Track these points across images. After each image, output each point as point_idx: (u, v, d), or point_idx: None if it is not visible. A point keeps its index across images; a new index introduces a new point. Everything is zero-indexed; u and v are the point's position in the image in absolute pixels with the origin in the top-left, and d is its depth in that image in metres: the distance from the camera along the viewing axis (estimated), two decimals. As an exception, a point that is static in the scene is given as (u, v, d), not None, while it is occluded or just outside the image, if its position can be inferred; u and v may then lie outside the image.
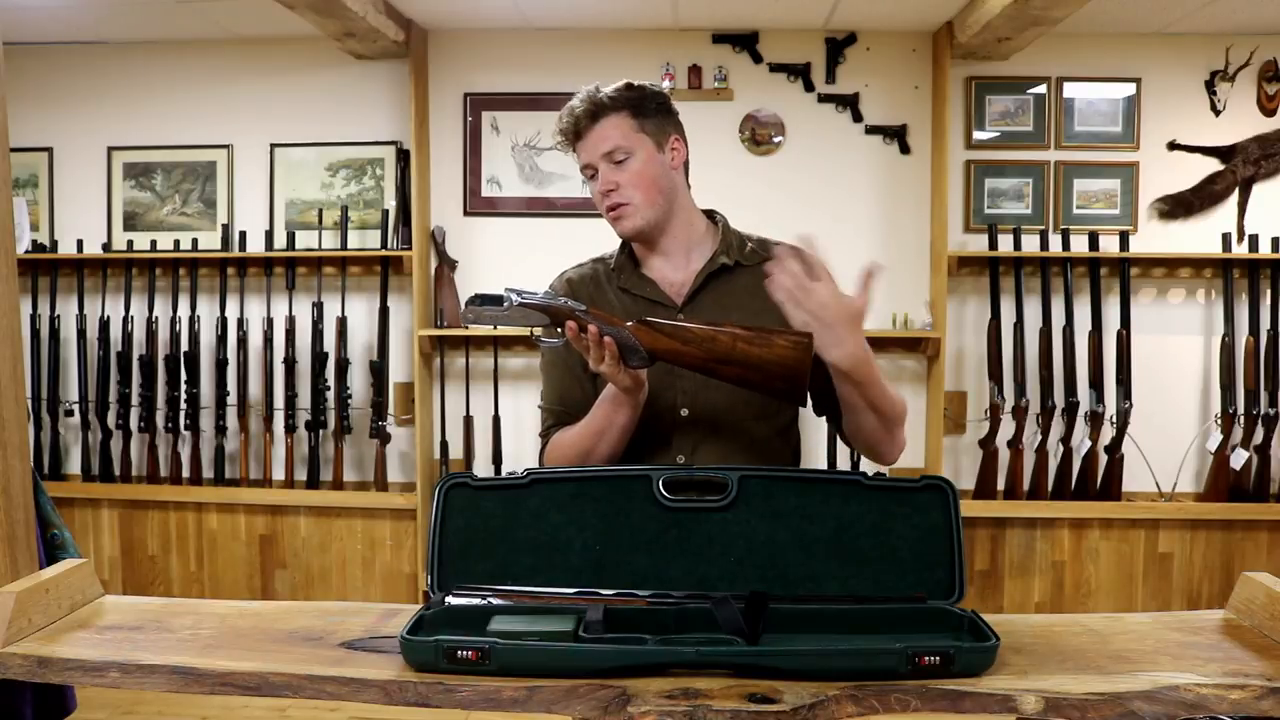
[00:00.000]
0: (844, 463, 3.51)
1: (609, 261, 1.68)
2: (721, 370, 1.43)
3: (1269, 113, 3.70)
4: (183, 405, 3.80)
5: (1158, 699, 1.08)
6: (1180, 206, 3.72)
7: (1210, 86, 3.70)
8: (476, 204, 3.86)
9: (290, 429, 3.82)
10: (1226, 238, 3.64)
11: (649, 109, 1.58)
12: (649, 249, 1.64)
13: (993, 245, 3.65)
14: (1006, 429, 3.64)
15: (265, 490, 3.82)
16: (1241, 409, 3.60)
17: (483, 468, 3.81)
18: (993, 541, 3.68)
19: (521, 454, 3.78)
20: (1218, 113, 3.70)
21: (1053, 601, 3.67)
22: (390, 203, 3.84)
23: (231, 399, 3.83)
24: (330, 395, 3.79)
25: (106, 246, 3.92)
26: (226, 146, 3.91)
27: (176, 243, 3.87)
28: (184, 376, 3.80)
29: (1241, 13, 3.42)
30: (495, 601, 1.30)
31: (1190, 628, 1.29)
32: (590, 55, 3.76)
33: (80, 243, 3.89)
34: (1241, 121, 3.70)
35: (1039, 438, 3.64)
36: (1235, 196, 3.71)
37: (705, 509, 1.35)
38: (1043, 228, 3.69)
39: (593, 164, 1.58)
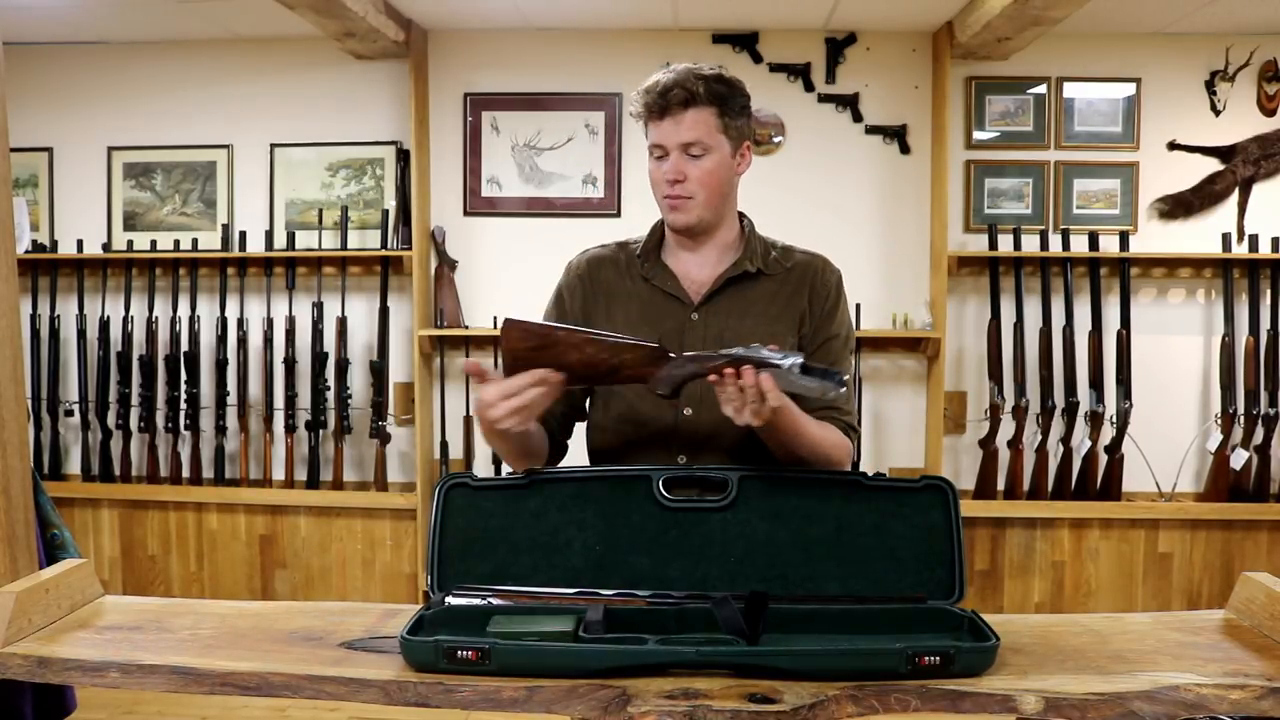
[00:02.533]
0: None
1: (633, 248, 1.68)
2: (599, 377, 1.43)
3: (1269, 113, 3.70)
4: (183, 405, 3.80)
5: (1158, 699, 1.08)
6: (1180, 206, 3.72)
7: (1210, 86, 3.69)
8: (476, 204, 3.85)
9: (290, 429, 3.82)
10: (1226, 238, 3.64)
11: (735, 108, 1.57)
12: (687, 243, 1.64)
13: (993, 245, 3.65)
14: (1006, 429, 3.64)
15: (265, 490, 3.82)
16: (1241, 409, 3.60)
17: (483, 468, 3.81)
18: (993, 541, 3.68)
19: (521, 454, 3.77)
20: (1218, 113, 3.70)
21: (1053, 601, 3.67)
22: (390, 203, 3.84)
23: (231, 399, 3.83)
24: (330, 395, 3.78)
25: (106, 246, 3.92)
26: (226, 146, 3.91)
27: (176, 243, 3.87)
28: (184, 376, 3.80)
29: (1241, 13, 3.42)
30: (495, 601, 1.30)
31: (1190, 628, 1.29)
32: (590, 55, 3.76)
33: (80, 243, 3.89)
34: (1241, 121, 3.70)
35: (1039, 438, 3.64)
36: (1235, 196, 3.71)
37: (705, 509, 1.35)
38: (1043, 228, 3.69)
39: (666, 146, 1.56)
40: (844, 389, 1.34)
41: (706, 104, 1.54)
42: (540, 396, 1.39)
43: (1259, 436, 3.59)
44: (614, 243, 1.72)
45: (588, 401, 1.69)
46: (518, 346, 1.39)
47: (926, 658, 1.10)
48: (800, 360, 1.32)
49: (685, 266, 1.64)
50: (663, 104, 1.54)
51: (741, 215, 1.70)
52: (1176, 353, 3.75)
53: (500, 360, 1.42)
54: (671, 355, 1.38)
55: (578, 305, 1.66)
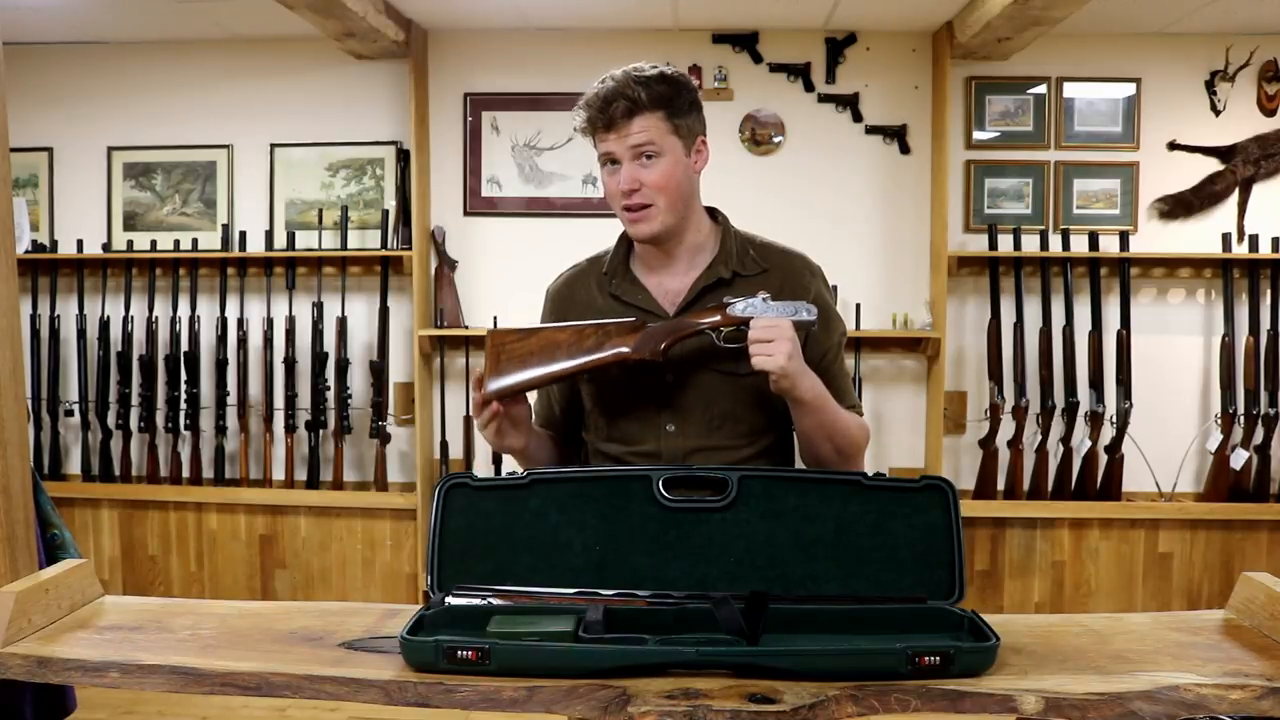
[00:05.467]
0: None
1: (602, 262, 1.65)
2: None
3: (1269, 113, 3.70)
4: (183, 405, 3.80)
5: (1158, 699, 1.08)
6: (1180, 206, 3.72)
7: (1210, 86, 3.69)
8: (476, 204, 3.86)
9: (290, 429, 3.82)
10: (1226, 238, 3.64)
11: (683, 106, 1.51)
12: (655, 253, 1.59)
13: (993, 245, 3.65)
14: (1006, 429, 3.64)
15: (265, 490, 3.82)
16: (1241, 409, 3.60)
17: (483, 468, 3.81)
18: (993, 541, 3.68)
19: (521, 454, 3.77)
20: (1218, 113, 3.70)
21: (1053, 601, 3.67)
22: (390, 203, 3.84)
23: (231, 399, 3.83)
24: (330, 395, 3.78)
25: (106, 246, 3.92)
26: (226, 146, 3.91)
27: (176, 243, 3.87)
28: (184, 376, 3.80)
29: (1241, 13, 3.42)
30: (495, 601, 1.30)
31: (1190, 628, 1.29)
32: (590, 55, 3.76)
33: (80, 243, 3.89)
34: (1241, 121, 3.70)
35: (1039, 438, 3.64)
36: (1235, 196, 3.71)
37: (705, 509, 1.35)
38: (1043, 228, 3.69)
39: (617, 155, 1.50)
40: (814, 317, 1.46)
41: (651, 108, 1.48)
42: (504, 418, 1.50)
43: (1259, 436, 3.59)
44: (587, 259, 1.69)
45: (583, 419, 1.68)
46: (504, 337, 1.51)
47: (926, 658, 1.10)
48: (768, 295, 1.48)
49: (658, 277, 1.60)
50: (606, 117, 1.48)
51: (715, 212, 1.64)
52: (1176, 353, 3.75)
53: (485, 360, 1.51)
54: (649, 325, 1.49)
55: None
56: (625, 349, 1.48)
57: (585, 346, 1.49)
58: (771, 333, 1.41)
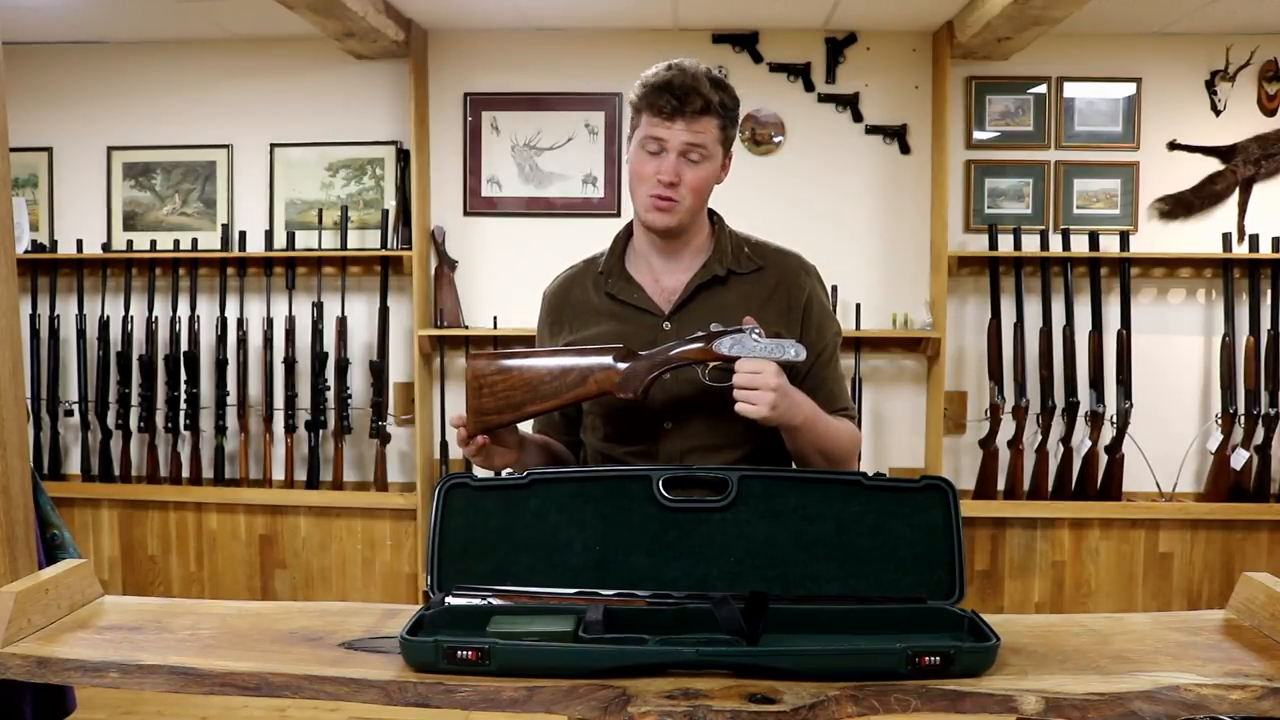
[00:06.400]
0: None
1: (598, 262, 1.66)
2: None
3: (1269, 113, 3.70)
4: (183, 405, 3.80)
5: (1158, 699, 1.08)
6: (1180, 206, 3.72)
7: (1210, 86, 3.69)
8: (476, 204, 3.86)
9: (290, 429, 3.82)
10: (1227, 238, 3.64)
11: (731, 121, 1.58)
12: (657, 248, 1.61)
13: (993, 245, 3.65)
14: (1006, 429, 3.64)
15: (265, 490, 3.82)
16: (1242, 409, 3.60)
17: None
18: (993, 541, 3.67)
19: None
20: (1218, 113, 3.70)
21: (1053, 601, 3.67)
22: (390, 203, 3.84)
23: (231, 399, 3.83)
24: (330, 395, 3.78)
25: (106, 246, 3.92)
26: (226, 146, 3.91)
27: (176, 243, 3.87)
28: (184, 376, 3.80)
29: (1241, 13, 3.42)
30: (495, 601, 1.30)
31: (1190, 628, 1.29)
32: (590, 55, 3.76)
33: (80, 243, 3.89)
34: (1242, 121, 3.70)
35: (1039, 438, 3.64)
36: (1235, 196, 3.71)
37: (705, 509, 1.35)
38: (1043, 228, 3.69)
39: (667, 145, 1.52)
40: (802, 357, 1.44)
41: (716, 115, 1.53)
42: (490, 444, 1.49)
43: (1259, 436, 3.58)
44: (583, 260, 1.70)
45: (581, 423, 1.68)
46: (484, 373, 1.47)
47: (926, 658, 1.10)
48: (756, 327, 1.44)
49: (655, 273, 1.62)
50: (676, 106, 1.50)
51: (711, 213, 1.67)
52: (1176, 353, 3.75)
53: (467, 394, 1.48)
54: (636, 352, 1.47)
55: (547, 336, 1.67)
56: (609, 387, 1.46)
57: (568, 382, 1.47)
58: (756, 380, 1.40)
